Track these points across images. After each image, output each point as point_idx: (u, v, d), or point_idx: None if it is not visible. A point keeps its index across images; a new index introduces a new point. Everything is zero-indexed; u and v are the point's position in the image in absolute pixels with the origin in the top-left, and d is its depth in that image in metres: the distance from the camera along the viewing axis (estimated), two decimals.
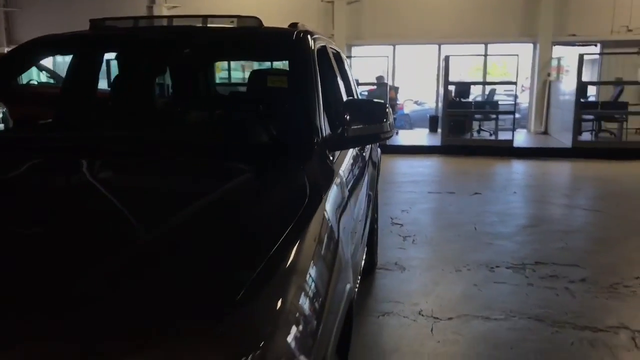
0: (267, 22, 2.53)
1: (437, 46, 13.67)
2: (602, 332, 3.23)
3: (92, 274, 1.08)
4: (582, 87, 10.32)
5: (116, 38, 2.59)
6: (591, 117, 10.77)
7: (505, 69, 14.77)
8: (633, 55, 12.12)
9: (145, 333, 0.93)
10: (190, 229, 1.29)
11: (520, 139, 11.61)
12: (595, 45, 13.18)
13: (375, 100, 2.24)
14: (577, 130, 10.20)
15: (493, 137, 11.07)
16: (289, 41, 2.33)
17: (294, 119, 2.05)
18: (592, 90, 11.96)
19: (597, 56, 12.75)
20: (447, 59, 10.85)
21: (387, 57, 13.05)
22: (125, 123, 2.31)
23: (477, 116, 11.41)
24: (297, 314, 1.11)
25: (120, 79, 2.78)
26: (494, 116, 11.10)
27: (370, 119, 2.06)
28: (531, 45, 13.26)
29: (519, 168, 9.58)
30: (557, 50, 13.30)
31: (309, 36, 2.35)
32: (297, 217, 1.40)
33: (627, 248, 4.89)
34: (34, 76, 9.20)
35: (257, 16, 2.50)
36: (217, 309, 1.00)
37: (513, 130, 10.77)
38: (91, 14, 2.87)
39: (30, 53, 2.61)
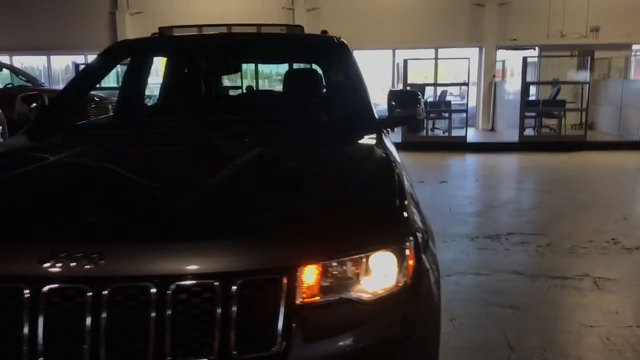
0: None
1: (391, 51, 14.58)
2: (570, 280, 4.03)
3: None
4: (526, 87, 11.42)
5: (200, 42, 3.17)
6: (533, 114, 11.89)
7: (456, 71, 15.83)
8: (567, 58, 13.42)
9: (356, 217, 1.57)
10: (340, 167, 1.94)
11: (471, 135, 12.62)
12: (534, 49, 14.43)
13: (409, 89, 2.94)
14: (522, 126, 11.27)
15: (447, 134, 12.01)
16: (341, 45, 2.99)
17: (360, 105, 2.71)
18: (532, 90, 13.14)
19: (536, 59, 13.97)
20: (405, 62, 11.70)
21: None
22: (234, 108, 2.95)
23: (431, 115, 12.33)
24: (421, 215, 1.78)
25: (205, 75, 3.35)
26: (446, 115, 12.05)
27: (407, 104, 2.74)
28: (477, 49, 14.36)
29: (474, 160, 10.53)
30: (501, 54, 14.47)
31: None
32: (390, 158, 2.08)
33: (578, 220, 5.79)
34: (13, 80, 9.37)
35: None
36: (393, 208, 1.64)
37: (466, 127, 11.74)
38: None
39: (118, 55, 3.14)
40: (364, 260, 1.48)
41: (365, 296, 1.48)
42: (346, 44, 3.03)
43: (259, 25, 3.30)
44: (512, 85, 12.72)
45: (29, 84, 9.40)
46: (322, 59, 3.19)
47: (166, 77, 3.47)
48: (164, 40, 3.13)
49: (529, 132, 11.79)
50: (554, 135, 11.87)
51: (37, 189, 1.77)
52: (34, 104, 2.79)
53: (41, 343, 1.33)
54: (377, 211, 1.66)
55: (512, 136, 11.61)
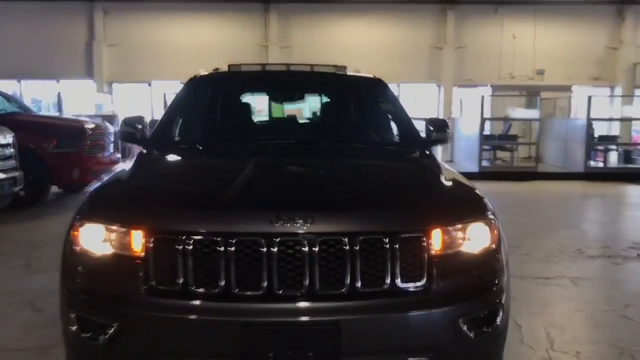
0: None
1: None
2: (552, 279, 4.86)
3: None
4: (483, 123, 12.60)
5: (269, 77, 3.91)
6: (489, 147, 13.06)
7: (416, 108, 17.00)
8: (517, 97, 14.85)
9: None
10: (421, 168, 2.70)
11: None
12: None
13: (440, 118, 3.75)
14: (481, 157, 12.39)
15: None
16: (381, 82, 3.80)
17: (409, 129, 3.49)
18: (486, 126, 14.39)
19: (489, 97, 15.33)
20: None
21: None
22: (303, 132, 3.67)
23: None
24: None
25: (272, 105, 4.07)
26: None
27: (439, 129, 3.53)
28: (436, 87, 15.61)
29: None
30: (457, 92, 15.77)
31: None
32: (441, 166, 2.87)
33: (544, 235, 6.71)
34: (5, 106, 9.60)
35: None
36: (477, 193, 2.40)
37: None
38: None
39: (201, 86, 3.81)
40: (469, 226, 2.22)
41: (472, 251, 2.21)
42: (383, 81, 3.88)
43: (312, 65, 4.05)
44: (467, 121, 13.89)
45: (21, 110, 9.66)
46: (369, 92, 3.96)
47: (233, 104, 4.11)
48: (244, 74, 3.85)
49: (484, 163, 12.92)
50: (509, 166, 13.05)
51: (242, 179, 2.43)
52: (139, 125, 3.41)
53: (273, 274, 1.99)
54: (469, 195, 2.41)
55: (471, 167, 12.69)
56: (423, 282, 2.09)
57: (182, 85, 3.94)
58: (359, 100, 4.02)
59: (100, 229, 2.16)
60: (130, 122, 3.43)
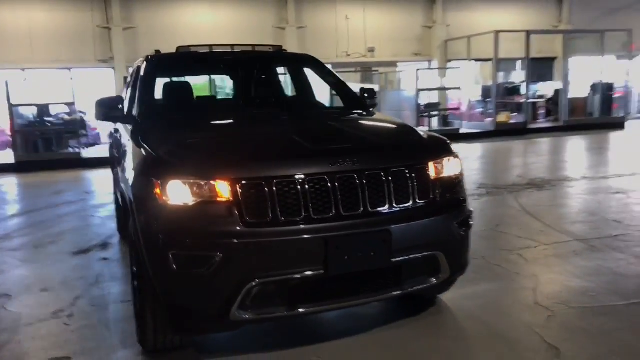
0: None
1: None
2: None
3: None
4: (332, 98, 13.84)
5: (223, 57, 4.43)
6: None
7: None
8: (352, 73, 16.42)
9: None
10: (403, 127, 3.57)
11: None
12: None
13: (370, 87, 4.64)
14: None
15: None
16: (316, 59, 4.56)
17: (354, 96, 4.32)
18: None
19: None
20: None
21: None
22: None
23: None
24: None
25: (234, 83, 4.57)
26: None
27: (371, 96, 4.43)
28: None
29: None
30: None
31: None
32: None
33: None
34: None
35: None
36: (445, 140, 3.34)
37: None
38: None
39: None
40: (448, 159, 3.14)
41: (451, 176, 3.14)
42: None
43: (253, 46, 4.64)
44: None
45: None
46: (315, 67, 4.68)
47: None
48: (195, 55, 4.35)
49: None
50: None
51: (283, 135, 3.18)
52: (120, 105, 3.77)
53: (336, 203, 2.70)
54: (442, 140, 3.33)
55: None
56: (430, 198, 2.97)
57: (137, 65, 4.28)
58: (301, 74, 4.75)
59: (185, 184, 2.64)
60: (109, 104, 3.77)
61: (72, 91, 14.24)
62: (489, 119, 15.87)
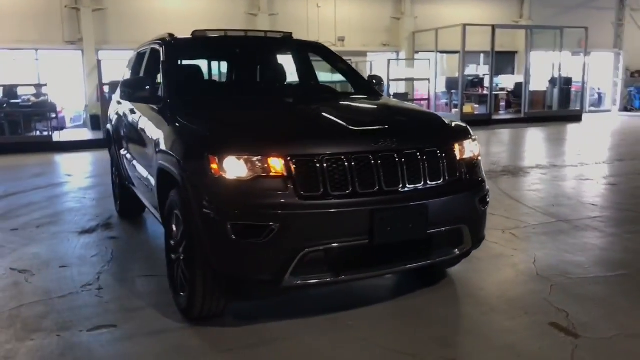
0: None
1: None
2: None
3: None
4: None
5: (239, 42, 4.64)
6: None
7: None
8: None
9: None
10: (425, 112, 3.87)
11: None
12: None
13: (376, 75, 4.89)
14: None
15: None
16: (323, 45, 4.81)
17: (366, 82, 4.56)
18: None
19: None
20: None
21: None
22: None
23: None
24: None
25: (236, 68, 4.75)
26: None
27: (378, 82, 4.69)
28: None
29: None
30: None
31: None
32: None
33: None
34: None
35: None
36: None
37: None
38: None
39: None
40: (469, 142, 3.43)
41: (472, 157, 3.43)
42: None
43: (265, 32, 4.81)
44: None
45: None
46: (327, 54, 4.90)
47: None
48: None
49: None
50: None
51: (324, 118, 3.42)
52: (147, 86, 3.97)
53: (379, 179, 2.95)
54: (463, 126, 3.60)
55: None
56: (457, 176, 3.26)
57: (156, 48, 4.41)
58: (308, 60, 4.97)
59: (242, 159, 2.84)
60: (135, 84, 3.96)
61: (37, 73, 13.94)
62: (455, 110, 16.41)
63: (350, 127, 3.21)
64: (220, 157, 2.86)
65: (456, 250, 3.36)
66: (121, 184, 5.61)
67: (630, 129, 15.22)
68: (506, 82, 19.38)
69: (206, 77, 4.56)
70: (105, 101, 12.25)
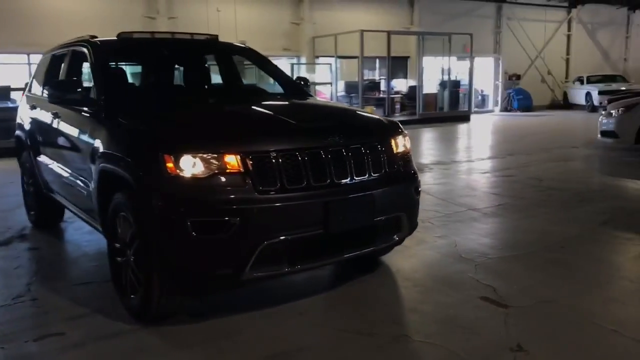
0: None
1: None
2: None
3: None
4: None
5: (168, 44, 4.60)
6: None
7: None
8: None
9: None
10: (357, 111, 4.11)
11: None
12: None
13: (302, 76, 5.10)
14: None
15: None
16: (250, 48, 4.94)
17: (293, 82, 4.74)
18: None
19: None
20: None
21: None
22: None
23: None
24: None
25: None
26: None
27: (305, 83, 4.91)
28: None
29: None
30: None
31: None
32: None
33: None
34: None
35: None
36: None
37: None
38: None
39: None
40: (402, 138, 3.72)
41: (405, 151, 3.72)
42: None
43: (191, 34, 4.83)
44: None
45: None
46: (254, 57, 4.99)
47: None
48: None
49: None
50: None
51: (271, 116, 3.61)
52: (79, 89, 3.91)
53: (330, 172, 3.14)
54: (394, 122, 3.88)
55: None
56: (395, 168, 3.53)
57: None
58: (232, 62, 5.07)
59: (199, 158, 2.90)
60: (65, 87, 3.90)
61: None
62: None
63: (301, 124, 3.38)
64: (177, 156, 2.91)
65: (396, 236, 3.63)
66: (37, 193, 5.34)
67: (513, 127, 16.66)
68: (400, 85, 20.42)
69: (136, 79, 4.48)
70: None
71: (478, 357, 2.83)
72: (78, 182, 4.04)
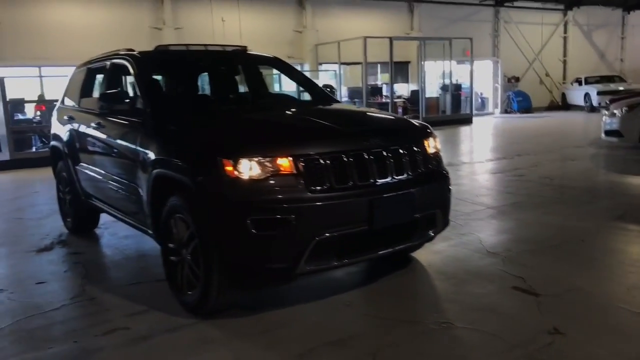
0: None
1: None
2: None
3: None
4: None
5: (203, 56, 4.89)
6: None
7: None
8: None
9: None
10: (389, 116, 4.36)
11: None
12: None
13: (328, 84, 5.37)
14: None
15: None
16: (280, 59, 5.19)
17: (322, 90, 4.99)
18: None
19: None
20: None
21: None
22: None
23: None
24: None
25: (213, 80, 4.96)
26: None
27: (332, 90, 5.19)
28: None
29: None
30: None
31: None
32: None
33: None
34: None
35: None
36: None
37: None
38: None
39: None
40: (433, 139, 3.97)
41: (436, 151, 3.97)
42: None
43: (223, 46, 5.09)
44: None
45: None
46: (283, 67, 5.28)
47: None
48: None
49: None
50: None
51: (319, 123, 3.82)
52: (127, 99, 4.15)
53: (373, 173, 3.39)
54: (425, 125, 4.14)
55: None
56: (429, 168, 3.78)
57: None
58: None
59: (255, 161, 3.15)
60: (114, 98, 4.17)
61: None
62: None
63: (344, 128, 3.64)
64: (235, 161, 3.15)
65: (431, 232, 3.88)
66: (74, 200, 5.56)
67: (515, 128, 16.96)
68: (401, 90, 20.73)
69: (178, 89, 4.75)
70: (11, 119, 11.67)
71: (519, 340, 3.07)
72: (125, 187, 4.27)
